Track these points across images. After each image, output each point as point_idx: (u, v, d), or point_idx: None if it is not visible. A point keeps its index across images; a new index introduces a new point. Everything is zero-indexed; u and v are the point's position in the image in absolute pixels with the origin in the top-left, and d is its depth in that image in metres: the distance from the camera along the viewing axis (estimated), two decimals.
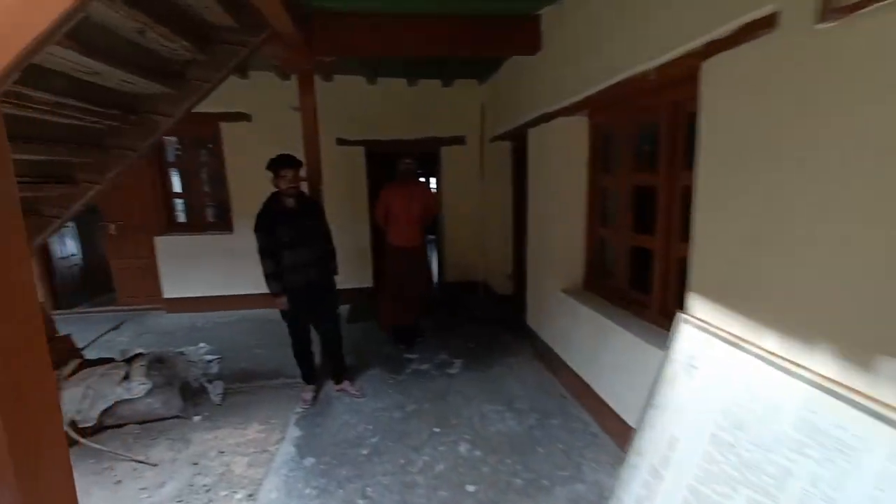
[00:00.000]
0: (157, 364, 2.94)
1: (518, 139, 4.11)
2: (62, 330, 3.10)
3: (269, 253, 2.64)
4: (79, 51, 1.88)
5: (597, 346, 2.57)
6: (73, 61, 1.97)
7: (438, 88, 5.03)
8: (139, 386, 2.71)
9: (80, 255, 5.23)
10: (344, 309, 4.90)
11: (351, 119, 4.91)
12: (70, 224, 5.21)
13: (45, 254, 4.73)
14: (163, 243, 4.86)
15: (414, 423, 2.68)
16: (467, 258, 5.43)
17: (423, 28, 3.15)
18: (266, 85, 4.64)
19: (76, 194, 2.62)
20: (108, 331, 4.41)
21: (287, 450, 2.45)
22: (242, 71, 4.51)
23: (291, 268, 2.68)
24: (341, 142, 4.92)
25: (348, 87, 4.83)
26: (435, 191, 5.75)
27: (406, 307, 3.79)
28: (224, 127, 4.68)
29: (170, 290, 4.94)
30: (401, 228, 3.66)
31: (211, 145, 4.98)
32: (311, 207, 2.84)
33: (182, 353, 3.32)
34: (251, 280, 4.93)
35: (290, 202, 2.69)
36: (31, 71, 1.85)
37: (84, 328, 4.48)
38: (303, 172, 2.83)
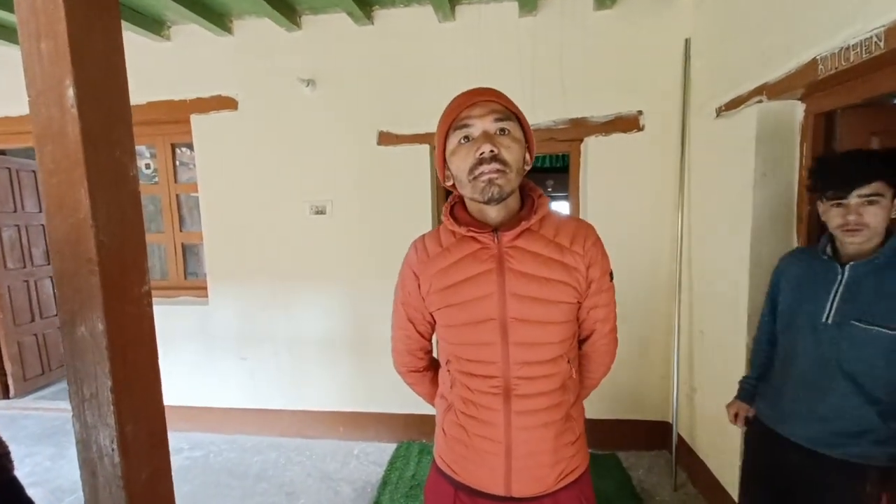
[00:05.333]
0: None
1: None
2: None
3: None
4: None
5: None
6: None
7: (588, 12, 2.36)
8: None
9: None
10: (369, 472, 2.39)
11: (408, 96, 2.53)
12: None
13: None
14: None
15: None
16: (633, 379, 2.54)
17: None
18: (261, 45, 2.56)
19: None
20: None
21: None
22: (220, 18, 2.49)
23: None
24: (388, 139, 2.57)
25: (401, 29, 2.48)
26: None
27: None
28: (197, 122, 2.72)
29: None
30: (486, 405, 0.85)
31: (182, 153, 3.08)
32: None
33: None
34: (246, 381, 2.84)
35: None
36: None
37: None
38: None
